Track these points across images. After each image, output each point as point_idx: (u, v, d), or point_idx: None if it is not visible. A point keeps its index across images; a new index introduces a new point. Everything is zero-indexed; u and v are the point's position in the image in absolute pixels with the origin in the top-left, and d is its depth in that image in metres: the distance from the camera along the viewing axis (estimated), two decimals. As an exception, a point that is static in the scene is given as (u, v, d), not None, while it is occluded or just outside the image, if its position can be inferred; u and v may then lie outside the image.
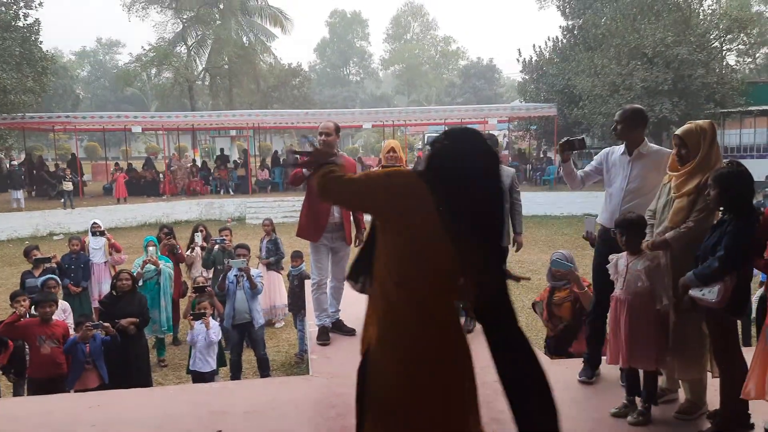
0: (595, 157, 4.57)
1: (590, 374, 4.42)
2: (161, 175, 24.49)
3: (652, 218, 3.89)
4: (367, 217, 5.87)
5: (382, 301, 2.28)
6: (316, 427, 3.91)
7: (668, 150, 4.16)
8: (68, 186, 20.30)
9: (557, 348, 5.27)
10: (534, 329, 8.39)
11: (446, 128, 2.40)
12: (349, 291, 5.71)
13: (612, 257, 3.90)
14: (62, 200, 20.46)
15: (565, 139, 4.40)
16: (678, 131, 3.79)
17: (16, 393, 5.81)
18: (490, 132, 8.48)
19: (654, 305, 3.66)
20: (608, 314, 3.95)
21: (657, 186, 4.03)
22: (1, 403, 5.07)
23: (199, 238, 8.58)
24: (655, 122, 21.05)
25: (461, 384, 2.28)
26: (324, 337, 5.46)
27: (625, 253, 3.82)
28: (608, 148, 4.51)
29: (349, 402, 4.28)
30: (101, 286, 8.50)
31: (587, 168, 4.55)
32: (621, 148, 4.34)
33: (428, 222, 2.19)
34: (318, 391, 4.49)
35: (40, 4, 21.82)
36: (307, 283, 5.57)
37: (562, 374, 4.62)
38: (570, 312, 5.08)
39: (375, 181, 2.30)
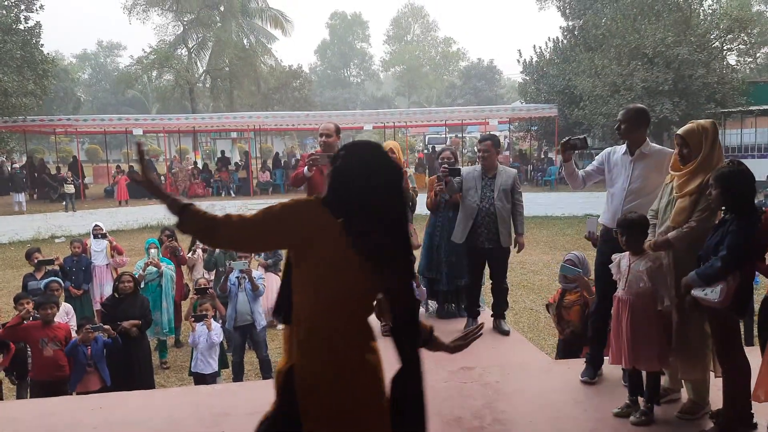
0: (596, 157, 4.57)
1: (592, 374, 4.42)
2: (162, 178, 24.50)
3: (655, 218, 3.89)
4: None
5: (302, 329, 2.16)
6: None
7: (670, 150, 4.16)
8: (70, 189, 20.33)
9: (567, 352, 5.26)
10: (537, 330, 8.38)
11: (347, 144, 2.25)
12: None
13: (615, 257, 3.90)
14: (64, 203, 20.48)
15: (567, 138, 4.39)
16: (680, 131, 3.79)
17: (19, 395, 5.82)
18: (492, 133, 8.46)
19: (656, 306, 3.66)
20: (611, 314, 3.95)
21: (659, 186, 4.02)
22: (4, 406, 5.07)
23: (200, 241, 8.58)
24: (656, 122, 21.03)
25: (381, 402, 2.20)
26: (326, 338, 5.45)
27: (627, 253, 3.82)
28: (609, 148, 4.50)
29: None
30: (103, 288, 8.49)
31: (588, 168, 4.54)
32: (622, 148, 4.33)
33: (335, 247, 2.09)
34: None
35: (41, 7, 21.84)
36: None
37: (564, 374, 4.62)
38: (579, 316, 5.07)
39: (270, 216, 2.14)
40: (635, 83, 20.71)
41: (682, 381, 3.98)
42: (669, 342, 3.70)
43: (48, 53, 23.06)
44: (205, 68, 40.05)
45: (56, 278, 6.82)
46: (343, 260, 2.10)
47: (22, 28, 21.38)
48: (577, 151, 4.47)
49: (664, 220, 3.81)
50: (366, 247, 2.11)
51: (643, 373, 3.80)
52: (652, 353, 3.65)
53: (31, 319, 5.83)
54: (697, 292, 3.39)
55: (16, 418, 4.23)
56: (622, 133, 4.22)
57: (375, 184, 2.16)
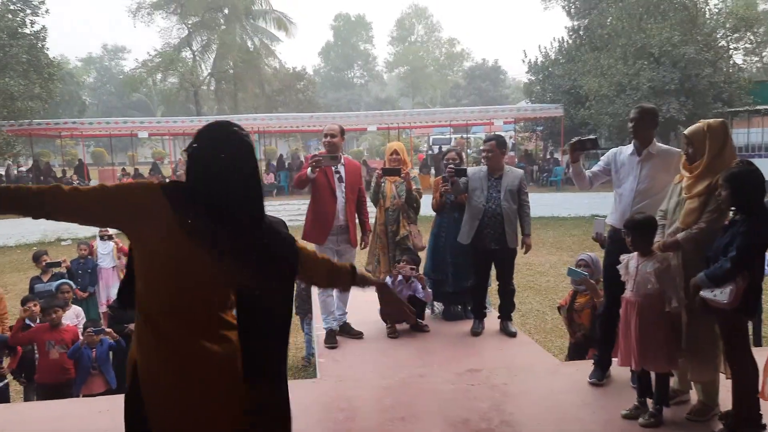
0: (602, 158, 4.54)
1: (600, 376, 4.40)
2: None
3: (663, 219, 3.86)
4: (372, 219, 5.86)
5: (140, 319, 2.06)
6: (325, 430, 3.89)
7: (677, 150, 4.16)
8: None
9: (577, 355, 5.24)
10: (545, 332, 8.35)
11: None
12: (356, 294, 5.72)
13: (623, 257, 3.87)
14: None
15: (576, 139, 4.36)
16: (686, 131, 3.77)
17: (27, 398, 5.82)
18: (497, 133, 8.40)
19: (664, 307, 3.63)
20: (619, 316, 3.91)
21: (667, 186, 4.00)
22: (12, 408, 5.07)
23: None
24: (663, 122, 20.92)
25: (232, 395, 2.09)
26: (331, 340, 5.45)
27: (635, 254, 3.79)
28: (615, 149, 4.48)
29: (358, 405, 4.29)
30: (109, 290, 8.49)
31: (595, 168, 4.52)
32: (629, 148, 4.31)
33: (167, 234, 1.95)
34: (326, 394, 4.48)
35: (47, 11, 21.92)
36: (314, 287, 5.55)
37: (572, 376, 4.60)
38: (589, 319, 5.04)
39: (102, 191, 2.01)
40: (641, 83, 20.63)
41: (692, 382, 3.95)
42: (678, 343, 3.67)
43: (53, 57, 23.15)
44: (209, 71, 40.14)
45: (67, 281, 6.82)
46: (176, 249, 1.96)
47: (28, 32, 21.46)
48: (585, 152, 4.45)
49: (673, 221, 3.78)
50: (205, 238, 1.97)
51: (652, 375, 3.77)
52: (661, 355, 3.62)
53: (37, 321, 5.85)
54: (706, 294, 3.37)
55: (24, 420, 4.23)
56: (633, 131, 4.19)
57: (227, 161, 2.01)
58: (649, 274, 3.65)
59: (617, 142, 21.33)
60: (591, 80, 22.38)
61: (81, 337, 5.64)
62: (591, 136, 4.36)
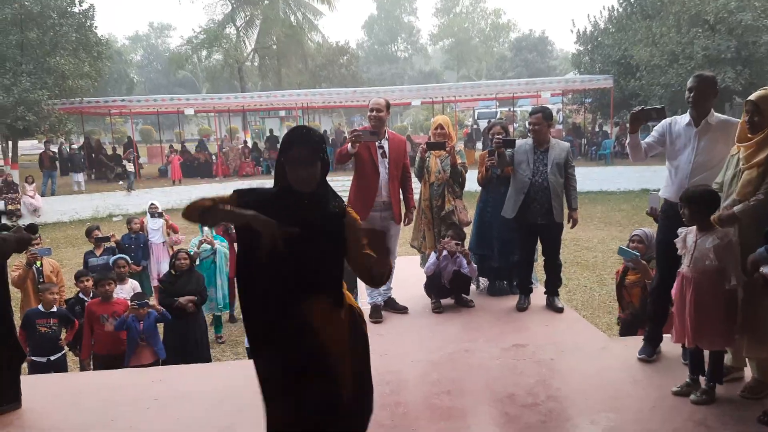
0: (655, 128, 4.35)
1: (651, 352, 4.31)
2: (214, 157, 24.91)
3: (720, 191, 3.72)
4: (416, 195, 5.82)
5: None
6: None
7: (736, 120, 3.97)
8: (130, 167, 20.99)
9: (625, 333, 5.16)
10: (592, 308, 8.23)
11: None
12: (400, 269, 5.73)
13: (681, 231, 3.73)
14: (121, 182, 21.10)
15: (641, 107, 4.17)
16: (752, 96, 3.59)
17: (82, 368, 6.03)
18: (543, 105, 8.18)
19: (722, 284, 3.50)
20: (673, 291, 3.80)
21: (724, 158, 3.85)
22: (69, 378, 5.27)
23: (252, 218, 8.69)
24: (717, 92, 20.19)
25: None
26: (376, 315, 5.47)
27: (693, 229, 3.65)
28: (669, 119, 4.29)
29: (404, 378, 4.31)
30: (160, 265, 8.71)
31: (648, 139, 4.35)
32: (684, 118, 4.15)
33: None
34: (372, 369, 4.48)
35: (95, -11, 22.30)
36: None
37: (621, 352, 4.52)
38: (639, 299, 4.95)
39: None
40: (695, 51, 19.88)
41: (746, 359, 3.83)
42: (734, 320, 3.54)
43: (102, 36, 23.57)
44: (253, 47, 40.33)
45: (123, 256, 7.00)
46: None
47: (77, 11, 21.87)
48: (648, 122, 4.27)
49: (729, 194, 3.65)
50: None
51: (705, 352, 3.67)
52: (717, 332, 3.52)
53: (90, 295, 6.04)
54: (765, 270, 3.24)
55: (81, 390, 4.38)
56: (692, 101, 4.02)
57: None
58: (708, 250, 3.52)
59: (670, 113, 20.64)
60: (642, 50, 21.67)
61: (133, 309, 5.80)
62: (658, 106, 4.15)
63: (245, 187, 2.69)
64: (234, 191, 2.59)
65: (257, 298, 2.60)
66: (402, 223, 5.58)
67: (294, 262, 2.51)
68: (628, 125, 4.30)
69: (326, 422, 2.59)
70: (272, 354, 2.63)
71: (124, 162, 21.91)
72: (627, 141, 4.38)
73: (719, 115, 4.09)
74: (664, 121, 4.30)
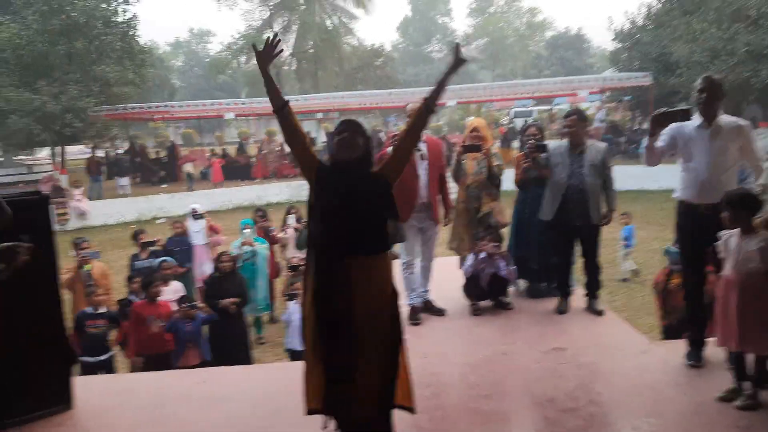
0: (665, 131, 4.26)
1: (698, 357, 4.22)
2: (253, 159, 25.25)
3: (764, 193, 3.67)
4: (453, 196, 5.83)
5: None
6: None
7: (744, 121, 4.07)
8: (189, 167, 21.73)
9: (670, 337, 5.09)
10: (633, 309, 8.14)
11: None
12: (438, 271, 5.76)
13: (722, 234, 3.69)
14: (165, 185, 21.64)
15: (663, 110, 4.15)
16: None
17: (133, 368, 6.22)
18: (576, 107, 8.06)
19: (767, 287, 3.45)
20: (717, 295, 3.75)
21: (737, 157, 3.96)
22: (118, 378, 5.44)
23: (292, 220, 8.82)
24: (761, 88, 19.65)
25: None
26: (415, 316, 5.51)
27: (737, 231, 3.61)
28: (676, 123, 4.23)
29: (443, 381, 4.34)
30: (202, 267, 8.87)
31: (659, 144, 4.28)
32: (694, 120, 4.13)
33: None
34: (412, 371, 4.54)
35: (137, -1, 22.88)
36: (397, 263, 5.63)
37: (663, 356, 4.48)
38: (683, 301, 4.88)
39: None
40: (737, 47, 19.37)
41: (794, 365, 3.77)
42: (781, 324, 3.49)
43: (144, 43, 24.17)
44: (290, 51, 40.72)
45: (168, 258, 7.19)
46: None
47: (121, 21, 22.47)
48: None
49: (774, 196, 3.60)
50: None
51: (749, 356, 3.62)
52: (763, 336, 3.47)
53: (138, 297, 6.22)
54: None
55: (131, 389, 4.53)
56: (705, 102, 4.03)
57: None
58: (753, 253, 3.48)
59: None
60: (682, 46, 21.23)
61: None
62: (682, 107, 4.13)
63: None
64: (318, 156, 3.26)
65: (319, 248, 3.15)
66: (441, 223, 5.62)
67: (341, 221, 3.06)
68: (648, 127, 4.27)
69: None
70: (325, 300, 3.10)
71: (185, 165, 22.86)
72: (645, 144, 4.35)
73: (727, 116, 4.11)
74: (672, 124, 4.23)
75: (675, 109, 4.15)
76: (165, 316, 5.85)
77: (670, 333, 5.10)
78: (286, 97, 3.25)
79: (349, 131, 3.17)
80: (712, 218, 3.85)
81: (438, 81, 3.31)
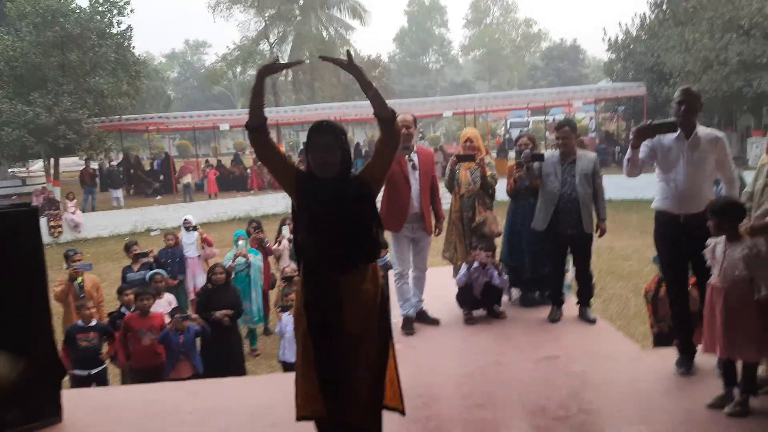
0: (644, 143, 4.27)
1: (689, 365, 4.23)
2: (249, 171, 25.27)
3: (749, 201, 3.69)
4: (445, 207, 5.84)
5: None
6: (402, 416, 3.94)
7: (720, 132, 4.15)
8: (187, 179, 21.93)
9: (662, 345, 5.09)
10: (627, 318, 8.13)
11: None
12: (432, 281, 5.76)
13: (709, 242, 3.71)
14: (159, 197, 21.59)
15: (650, 122, 4.18)
16: None
17: (123, 381, 6.18)
18: (567, 117, 8.04)
19: (753, 294, 3.46)
20: (704, 302, 3.77)
21: (713, 168, 4.05)
22: (110, 391, 5.41)
23: (286, 231, 8.81)
24: (754, 97, 19.75)
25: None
26: (408, 327, 5.50)
27: (723, 239, 3.63)
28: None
29: (436, 391, 4.33)
30: (195, 279, 8.85)
31: (640, 155, 4.29)
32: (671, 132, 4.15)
33: None
34: (404, 381, 4.50)
35: (132, 10, 22.92)
36: (390, 274, 5.64)
37: (654, 364, 4.48)
38: None
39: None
40: (730, 57, 19.51)
41: (783, 371, 3.77)
42: (767, 330, 3.50)
43: (139, 55, 24.21)
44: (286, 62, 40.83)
45: (159, 270, 7.17)
46: None
47: (115, 32, 22.51)
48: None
49: (760, 203, 3.62)
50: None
51: (738, 363, 3.62)
52: (750, 342, 3.47)
53: (131, 309, 6.19)
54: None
55: (122, 403, 4.51)
56: (683, 114, 4.07)
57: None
58: (738, 260, 3.50)
59: (704, 120, 20.29)
60: (675, 56, 21.38)
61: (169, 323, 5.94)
62: (669, 119, 4.14)
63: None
64: (296, 165, 3.17)
65: (307, 261, 3.06)
66: (433, 233, 5.63)
67: (328, 232, 2.95)
68: (631, 138, 4.29)
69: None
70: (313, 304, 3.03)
71: (183, 176, 22.97)
72: (627, 156, 4.35)
73: (704, 128, 4.17)
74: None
75: (661, 121, 4.16)
76: (157, 329, 5.82)
77: (661, 340, 5.11)
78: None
79: (322, 147, 2.95)
80: (691, 227, 3.91)
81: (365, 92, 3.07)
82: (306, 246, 3.05)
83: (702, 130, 4.11)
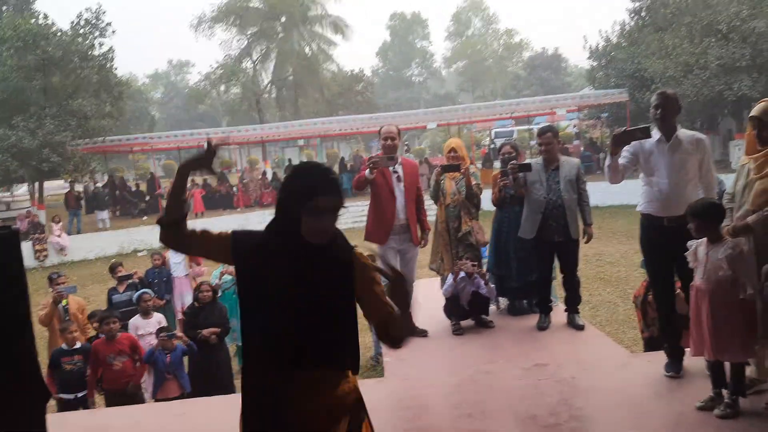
0: (625, 149, 4.31)
1: (678, 368, 4.24)
2: (235, 188, 25.21)
3: (731, 202, 3.72)
4: (431, 218, 5.84)
5: None
6: (393, 428, 3.92)
7: (701, 135, 4.21)
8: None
9: (653, 349, 5.09)
10: (616, 323, 8.14)
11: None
12: (419, 293, 5.73)
13: (691, 244, 3.74)
14: (145, 217, 21.46)
15: (623, 129, 4.24)
16: (754, 111, 3.64)
17: (108, 405, 6.08)
18: (549, 124, 8.03)
19: (737, 294, 3.48)
20: (689, 304, 3.79)
21: (696, 170, 4.07)
22: (94, 414, 5.33)
23: (273, 248, 8.77)
24: (734, 101, 20.01)
25: None
26: (396, 340, 5.47)
27: (704, 241, 3.65)
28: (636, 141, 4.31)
29: (425, 402, 4.30)
30: (183, 298, 8.78)
31: (621, 161, 4.34)
32: (653, 135, 4.21)
33: None
34: (393, 394, 4.51)
35: (113, 32, 22.92)
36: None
37: (643, 368, 4.48)
38: None
39: None
40: (709, 61, 19.79)
41: (770, 370, 3.78)
42: (753, 331, 3.51)
43: (122, 76, 24.18)
44: (270, 79, 40.97)
45: (147, 290, 7.09)
46: None
47: (97, 54, 22.48)
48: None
49: (742, 204, 3.65)
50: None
51: (726, 364, 3.63)
52: (736, 343, 3.48)
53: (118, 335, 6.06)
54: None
55: (107, 425, 4.45)
56: (661, 117, 4.12)
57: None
58: (721, 261, 3.52)
59: (687, 124, 20.50)
60: (656, 62, 21.65)
61: (154, 342, 5.86)
62: (642, 126, 4.19)
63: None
64: (231, 231, 2.42)
65: (254, 352, 2.29)
66: (419, 245, 5.62)
67: (292, 322, 2.16)
68: (609, 147, 4.34)
69: None
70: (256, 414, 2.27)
71: (160, 199, 22.72)
72: (607, 163, 4.40)
73: (686, 130, 4.23)
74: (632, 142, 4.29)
75: (634, 128, 4.22)
76: (127, 350, 5.68)
77: (652, 344, 5.11)
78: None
79: (332, 211, 2.18)
80: (676, 230, 3.94)
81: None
82: (251, 332, 2.28)
83: (683, 133, 4.16)
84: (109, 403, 5.69)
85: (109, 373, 5.66)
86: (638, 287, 5.40)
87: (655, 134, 4.21)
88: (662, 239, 4.06)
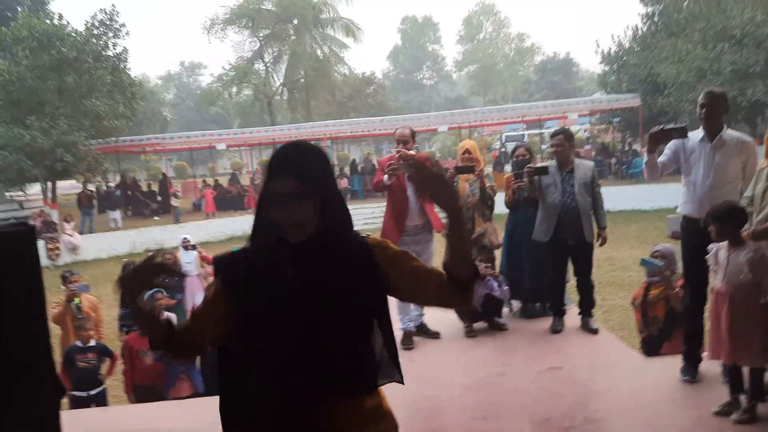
0: (668, 146, 4.29)
1: (694, 373, 4.20)
2: (246, 190, 25.30)
3: (750, 205, 3.68)
4: (444, 220, 5.84)
5: None
6: (407, 430, 3.90)
7: (748, 137, 4.05)
8: (176, 202, 22.08)
9: (650, 349, 5.08)
10: (629, 328, 8.09)
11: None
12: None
13: (711, 247, 3.70)
14: (157, 218, 21.55)
15: (660, 127, 4.16)
16: None
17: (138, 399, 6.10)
18: (563, 127, 8.06)
19: (758, 298, 3.44)
20: (709, 308, 3.75)
21: (739, 173, 3.93)
22: (108, 411, 5.35)
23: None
24: (748, 106, 19.88)
25: None
26: (408, 341, 5.46)
27: (725, 244, 3.61)
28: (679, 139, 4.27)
29: (439, 404, 4.29)
30: (194, 297, 8.79)
31: (662, 158, 4.30)
32: (697, 134, 4.14)
33: None
34: (405, 395, 4.48)
35: (127, 33, 23.06)
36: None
37: (658, 372, 4.44)
38: (664, 312, 4.88)
39: None
40: (723, 66, 19.68)
41: (789, 377, 3.74)
42: (772, 335, 3.47)
43: (135, 77, 24.32)
44: (281, 81, 41.07)
45: (159, 289, 7.11)
46: None
47: (111, 55, 22.63)
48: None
49: (761, 208, 3.60)
50: None
51: (745, 369, 3.59)
52: (755, 348, 3.44)
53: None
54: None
55: (120, 422, 4.46)
56: (705, 116, 4.02)
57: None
58: (742, 265, 3.48)
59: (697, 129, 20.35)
60: (668, 67, 21.54)
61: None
62: (679, 124, 4.12)
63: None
64: (213, 258, 2.06)
65: (239, 388, 1.85)
66: (442, 231, 5.59)
67: (301, 346, 1.72)
68: (647, 144, 4.28)
69: None
70: None
71: (172, 198, 23.04)
72: (645, 160, 4.35)
73: (733, 131, 4.11)
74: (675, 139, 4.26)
75: (672, 126, 4.14)
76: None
77: (649, 345, 5.08)
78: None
79: (284, 195, 1.70)
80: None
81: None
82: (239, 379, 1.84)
83: (729, 134, 4.04)
84: (137, 397, 5.71)
85: (141, 367, 5.69)
86: (638, 289, 5.38)
87: (699, 133, 4.12)
88: (698, 241, 3.89)
